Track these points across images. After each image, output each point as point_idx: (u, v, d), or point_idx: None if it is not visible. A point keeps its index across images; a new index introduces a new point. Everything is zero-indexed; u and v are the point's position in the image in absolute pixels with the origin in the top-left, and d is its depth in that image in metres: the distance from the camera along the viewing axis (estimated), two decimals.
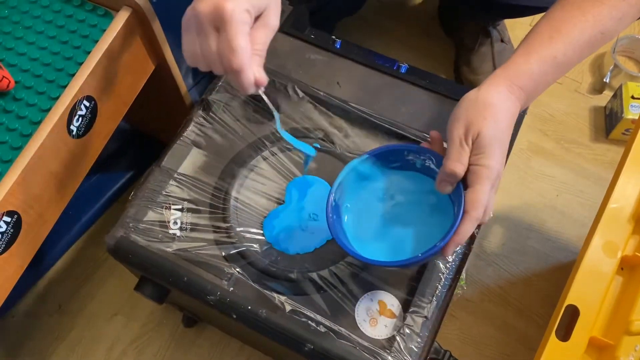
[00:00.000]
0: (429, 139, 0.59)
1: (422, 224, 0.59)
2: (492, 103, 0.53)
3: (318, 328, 0.60)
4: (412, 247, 0.58)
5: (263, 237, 0.66)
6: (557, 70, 0.57)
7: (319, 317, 0.61)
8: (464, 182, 0.53)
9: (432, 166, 0.58)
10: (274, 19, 0.51)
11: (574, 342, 0.60)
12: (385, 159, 0.60)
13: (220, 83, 0.74)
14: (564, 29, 0.56)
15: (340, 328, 0.60)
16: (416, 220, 0.59)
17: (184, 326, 0.92)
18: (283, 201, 0.68)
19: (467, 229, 0.52)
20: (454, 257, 0.64)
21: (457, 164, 0.52)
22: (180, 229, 0.65)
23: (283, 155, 0.70)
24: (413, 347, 0.60)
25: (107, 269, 0.97)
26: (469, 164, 0.53)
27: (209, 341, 0.91)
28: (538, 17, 1.16)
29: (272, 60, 0.73)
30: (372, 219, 0.60)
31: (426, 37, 1.15)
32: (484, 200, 0.52)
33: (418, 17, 1.18)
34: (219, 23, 0.47)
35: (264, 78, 0.51)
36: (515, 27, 1.16)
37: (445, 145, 0.56)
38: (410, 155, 0.59)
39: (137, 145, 1.02)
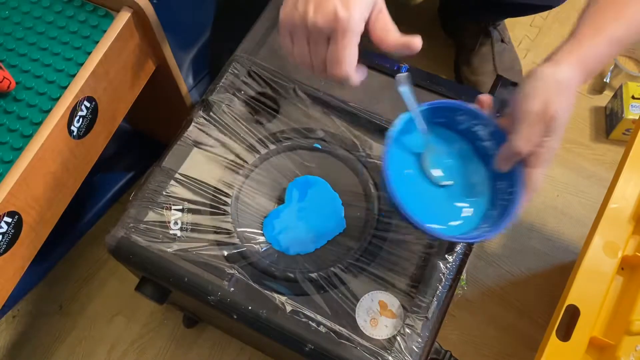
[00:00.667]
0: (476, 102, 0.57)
1: (462, 190, 0.58)
2: (569, 84, 0.52)
3: (319, 328, 0.60)
4: (451, 214, 0.57)
5: (263, 238, 0.66)
6: (618, 52, 0.57)
7: (319, 318, 0.61)
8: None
9: (480, 132, 0.56)
10: (382, 3, 0.52)
11: (574, 342, 0.60)
12: (435, 113, 0.57)
13: (220, 84, 0.74)
14: (627, 10, 0.55)
15: (341, 328, 0.60)
16: (455, 185, 0.58)
17: (185, 327, 0.92)
18: (284, 201, 0.68)
19: (522, 208, 0.52)
20: (454, 257, 0.64)
21: (528, 143, 0.51)
22: (181, 229, 0.66)
23: (283, 156, 0.70)
24: (414, 347, 0.60)
25: (108, 270, 0.97)
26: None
27: (209, 341, 0.91)
28: (538, 17, 1.17)
29: (273, 61, 0.73)
30: (416, 180, 0.58)
31: (426, 38, 1.14)
32: (539, 184, 0.52)
33: (418, 18, 1.18)
34: (332, 33, 0.47)
35: (414, 43, 0.51)
36: (515, 27, 1.16)
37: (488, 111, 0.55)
38: (462, 116, 0.57)
39: (138, 145, 1.02)
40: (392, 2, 0.55)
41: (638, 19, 0.56)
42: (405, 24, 1.28)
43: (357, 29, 0.48)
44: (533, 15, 1.17)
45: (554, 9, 1.18)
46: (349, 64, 0.49)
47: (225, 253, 0.64)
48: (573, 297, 0.61)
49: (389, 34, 0.50)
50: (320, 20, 0.47)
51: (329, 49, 0.48)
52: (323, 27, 0.47)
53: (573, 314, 0.61)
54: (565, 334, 0.60)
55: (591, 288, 0.62)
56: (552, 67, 0.53)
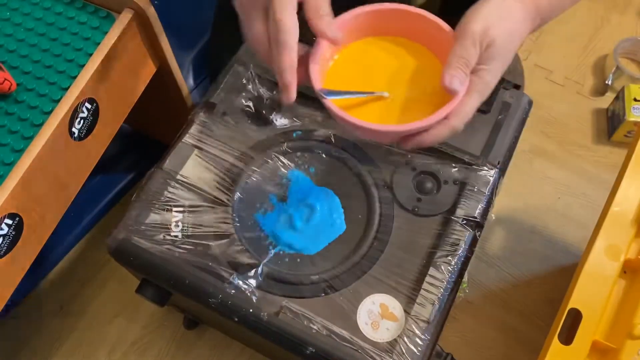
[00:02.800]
0: None
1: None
2: (514, 16, 0.50)
3: (319, 331, 0.60)
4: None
5: (265, 239, 0.66)
6: None
7: (320, 320, 0.60)
8: None
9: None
10: None
11: (576, 345, 0.59)
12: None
13: (222, 85, 0.74)
14: None
15: (342, 331, 0.60)
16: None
17: (185, 328, 0.92)
18: (285, 203, 0.67)
19: (440, 133, 0.49)
20: (456, 259, 0.64)
21: (460, 61, 0.48)
22: (182, 231, 0.65)
23: (285, 157, 0.70)
24: (415, 350, 0.59)
25: (109, 271, 0.97)
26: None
27: (209, 343, 0.91)
28: None
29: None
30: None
31: None
32: (469, 115, 0.49)
33: None
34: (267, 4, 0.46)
35: (336, 34, 0.49)
36: None
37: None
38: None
39: (138, 147, 1.02)
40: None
41: None
42: None
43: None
44: None
45: None
46: (285, 30, 0.46)
47: (227, 255, 0.64)
48: (575, 300, 0.61)
49: (321, 18, 0.48)
50: None
51: (268, 21, 0.47)
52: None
53: (575, 317, 0.61)
54: (567, 337, 0.60)
55: (593, 291, 0.61)
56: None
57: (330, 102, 0.49)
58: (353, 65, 0.51)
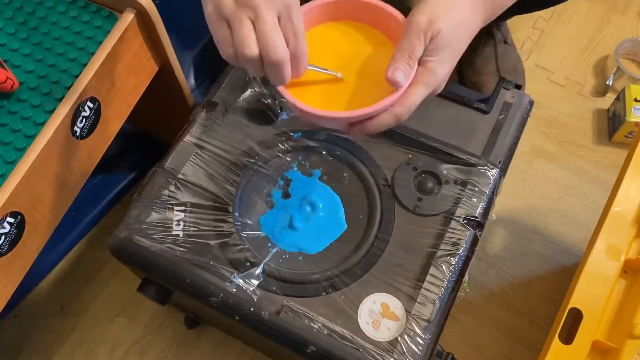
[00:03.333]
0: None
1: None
2: (460, 6, 0.50)
3: (320, 330, 0.60)
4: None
5: (266, 239, 0.66)
6: None
7: (321, 319, 0.61)
8: None
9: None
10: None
11: (577, 345, 0.59)
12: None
13: (223, 85, 0.74)
14: None
15: (343, 330, 0.60)
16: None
17: (186, 328, 0.92)
18: (286, 203, 0.67)
19: (384, 121, 0.50)
20: (456, 259, 0.64)
21: (405, 54, 0.49)
22: (183, 230, 0.65)
23: (286, 157, 0.70)
24: (416, 349, 0.59)
25: (110, 271, 0.97)
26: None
27: (211, 343, 0.91)
28: (541, 19, 1.17)
29: None
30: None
31: None
32: (414, 104, 0.50)
33: None
34: (282, 9, 0.46)
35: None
36: (518, 30, 1.16)
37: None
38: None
39: (140, 146, 1.02)
40: (394, 5, 0.54)
41: None
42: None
43: (295, 2, 0.47)
44: (535, 18, 1.17)
45: (556, 12, 1.18)
46: (304, 38, 0.47)
47: (228, 254, 0.64)
48: (576, 300, 0.61)
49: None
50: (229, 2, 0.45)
51: (288, 29, 0.47)
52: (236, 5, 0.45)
53: (576, 317, 0.61)
54: (567, 337, 0.60)
55: (594, 291, 0.62)
56: None
57: (283, 88, 0.50)
58: (311, 48, 0.51)
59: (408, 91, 0.49)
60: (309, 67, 0.51)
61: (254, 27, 0.46)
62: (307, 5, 0.53)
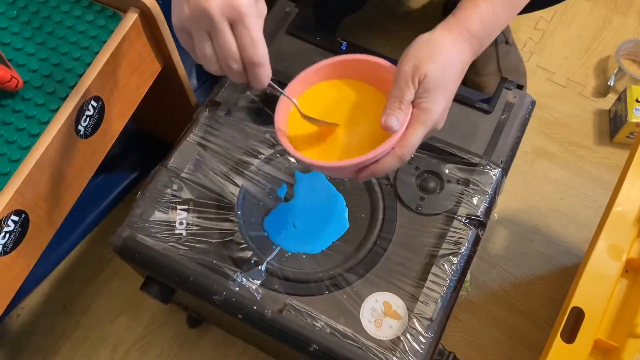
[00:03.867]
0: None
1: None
2: (443, 48, 0.53)
3: (323, 329, 0.60)
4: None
5: (269, 238, 0.66)
6: (508, 12, 0.58)
7: (324, 318, 0.61)
8: None
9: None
10: (264, 7, 0.51)
11: (579, 344, 0.60)
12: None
13: (226, 84, 0.74)
14: None
15: (345, 329, 0.60)
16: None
17: (188, 326, 0.92)
18: (290, 202, 0.68)
19: (389, 163, 0.52)
20: (459, 258, 0.64)
21: (396, 101, 0.51)
22: (186, 229, 0.66)
23: (289, 157, 0.70)
24: (418, 348, 0.60)
25: (112, 270, 0.97)
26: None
27: (213, 342, 0.92)
28: (542, 19, 1.17)
29: (278, 62, 0.73)
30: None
31: None
32: (414, 144, 0.52)
33: (422, 19, 1.18)
34: (235, 17, 0.46)
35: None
36: (519, 30, 1.16)
37: None
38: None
39: (142, 145, 1.02)
40: (395, 3, 0.55)
41: None
42: (409, 26, 1.29)
43: (254, 11, 0.47)
44: (537, 19, 1.18)
45: (558, 12, 1.18)
46: (263, 47, 0.48)
47: (231, 253, 0.64)
48: (578, 299, 0.61)
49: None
50: (215, 5, 0.45)
51: (238, 34, 0.47)
52: (220, 10, 0.46)
53: (577, 316, 0.61)
54: (569, 336, 0.61)
55: (596, 291, 0.62)
56: (430, 34, 0.54)
57: (292, 148, 0.54)
58: (313, 104, 0.56)
59: (407, 132, 0.52)
60: (312, 119, 0.55)
61: (212, 42, 0.48)
62: (306, 70, 0.57)
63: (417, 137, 0.52)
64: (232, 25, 0.47)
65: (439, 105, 0.52)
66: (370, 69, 0.56)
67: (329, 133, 0.56)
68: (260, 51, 0.48)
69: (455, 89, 0.54)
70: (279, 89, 0.55)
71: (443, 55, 0.53)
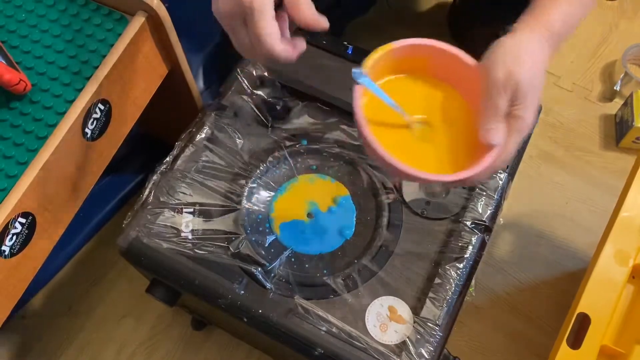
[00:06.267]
0: None
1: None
2: (530, 50, 0.51)
3: (328, 332, 0.60)
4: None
5: (275, 241, 0.66)
6: (584, 9, 0.56)
7: (329, 322, 0.61)
8: None
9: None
10: None
11: (585, 350, 0.59)
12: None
13: (232, 87, 0.74)
14: None
15: (351, 333, 0.60)
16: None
17: (193, 329, 0.92)
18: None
19: (484, 177, 0.51)
20: (464, 263, 0.64)
21: (495, 112, 0.49)
22: (192, 231, 0.66)
23: (295, 159, 0.70)
24: (423, 352, 0.60)
25: (117, 272, 0.97)
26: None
27: (217, 344, 0.92)
28: None
29: (285, 65, 0.73)
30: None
31: None
32: (513, 155, 0.51)
33: (428, 24, 1.18)
34: (245, 16, 0.48)
35: (320, 21, 0.51)
36: None
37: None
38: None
39: (148, 148, 1.03)
40: (401, 7, 0.55)
41: None
42: (415, 30, 1.29)
43: (262, 6, 0.48)
44: None
45: None
46: (269, 39, 0.49)
47: (237, 256, 0.64)
48: (584, 305, 0.61)
49: (300, 9, 0.50)
50: (225, 8, 0.49)
51: (248, 31, 0.49)
52: (229, 13, 0.49)
53: (583, 321, 0.61)
54: (575, 341, 0.60)
55: (602, 296, 0.62)
56: (511, 38, 0.53)
57: (381, 147, 0.49)
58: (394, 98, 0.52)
59: (506, 142, 0.50)
60: (397, 110, 0.51)
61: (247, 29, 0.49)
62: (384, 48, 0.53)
63: (515, 147, 0.50)
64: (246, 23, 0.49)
65: (531, 111, 0.51)
66: (448, 63, 0.53)
67: (407, 134, 0.52)
68: (265, 47, 0.49)
69: (541, 89, 0.52)
70: (376, 85, 0.52)
71: (530, 57, 0.51)
